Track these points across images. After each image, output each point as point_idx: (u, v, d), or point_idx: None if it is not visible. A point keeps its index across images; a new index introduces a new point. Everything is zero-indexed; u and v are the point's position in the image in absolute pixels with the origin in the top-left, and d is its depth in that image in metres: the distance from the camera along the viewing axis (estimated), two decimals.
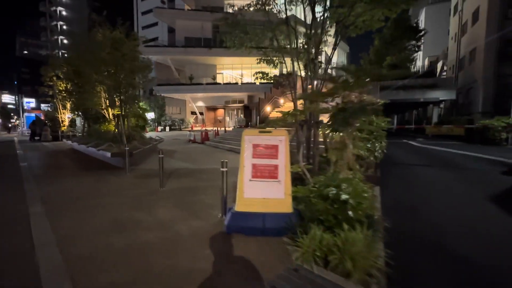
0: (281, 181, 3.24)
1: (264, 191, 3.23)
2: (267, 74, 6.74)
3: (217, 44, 31.00)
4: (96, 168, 7.21)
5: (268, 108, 19.27)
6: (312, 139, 5.34)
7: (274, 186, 3.24)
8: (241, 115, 27.99)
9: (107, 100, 9.32)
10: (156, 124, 27.52)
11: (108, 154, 7.47)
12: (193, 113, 34.66)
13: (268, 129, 3.28)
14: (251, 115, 30.31)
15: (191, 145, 13.69)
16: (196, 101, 33.13)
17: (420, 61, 33.19)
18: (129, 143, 8.81)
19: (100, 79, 8.70)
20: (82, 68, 9.15)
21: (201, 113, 34.81)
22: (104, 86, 8.93)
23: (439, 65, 28.25)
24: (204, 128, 20.12)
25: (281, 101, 21.68)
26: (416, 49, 24.81)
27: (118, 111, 9.03)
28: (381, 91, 16.60)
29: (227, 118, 34.41)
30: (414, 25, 24.14)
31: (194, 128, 30.27)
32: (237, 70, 33.05)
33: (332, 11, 5.01)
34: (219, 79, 32.04)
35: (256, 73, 6.84)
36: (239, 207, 3.24)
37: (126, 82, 8.70)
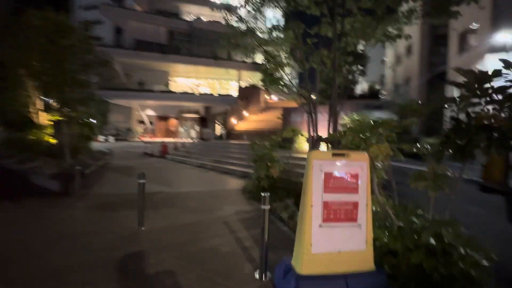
0: (361, 225, 2.25)
1: (339, 240, 2.21)
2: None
3: (172, 51, 28.79)
4: (24, 195, 4.96)
5: (234, 121, 18.13)
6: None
7: (352, 233, 2.24)
8: (216, 126, 26.02)
9: (39, 102, 6.94)
10: (98, 133, 23.41)
11: (46, 174, 5.29)
12: (140, 122, 31.02)
13: (344, 151, 2.26)
14: (208, 126, 28.61)
15: (150, 160, 11.58)
16: (145, 109, 29.80)
17: (361, 85, 36.77)
18: (74, 158, 6.62)
19: (34, 74, 6.41)
20: (5, 58, 6.64)
21: (151, 123, 31.42)
22: (38, 83, 6.63)
23: (377, 88, 31.67)
24: (161, 140, 17.73)
25: (246, 113, 20.85)
26: (362, 74, 27.38)
27: (58, 116, 6.77)
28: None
29: (181, 129, 31.84)
30: (361, 52, 26.77)
31: (143, 139, 26.93)
32: (192, 78, 31.18)
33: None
34: (172, 87, 29.60)
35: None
36: (305, 266, 2.12)
37: (73, 79, 6.61)
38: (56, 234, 3.32)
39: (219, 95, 28.59)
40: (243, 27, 4.84)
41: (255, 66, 30.39)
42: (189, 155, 11.58)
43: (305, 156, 2.31)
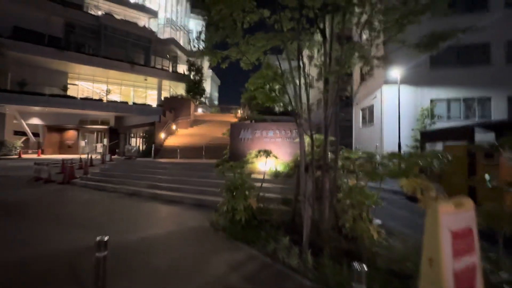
0: None
1: None
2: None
3: (72, 47, 23.22)
4: None
5: (162, 135, 15.75)
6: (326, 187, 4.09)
7: None
8: (133, 141, 21.66)
9: None
10: None
11: None
12: (19, 133, 23.22)
13: (458, 200, 1.76)
14: (119, 139, 24.15)
15: (49, 189, 8.30)
16: (29, 117, 22.59)
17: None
18: None
19: None
20: None
21: (36, 134, 23.98)
22: None
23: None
24: (57, 157, 13.46)
25: (174, 127, 18.57)
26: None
27: None
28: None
29: (82, 143, 25.64)
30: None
31: (23, 156, 20.10)
32: (100, 83, 25.95)
33: None
34: (72, 91, 23.68)
35: None
36: None
37: None
38: None
39: (134, 104, 24.81)
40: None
41: (178, 76, 28.27)
42: (111, 179, 9.00)
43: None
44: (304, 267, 3.16)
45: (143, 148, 16.82)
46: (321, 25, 4.09)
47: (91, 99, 23.30)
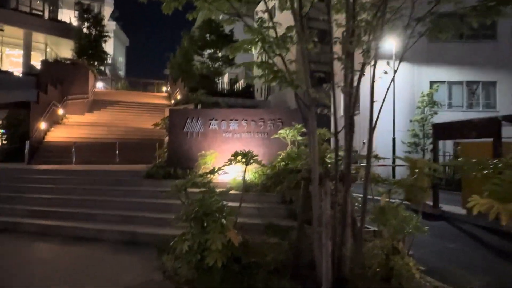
0: None
1: None
2: None
3: None
4: None
5: (43, 124, 13.79)
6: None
7: None
8: None
9: None
10: None
11: None
12: None
13: None
14: None
15: None
16: None
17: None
18: None
19: None
20: None
21: None
22: None
23: (241, 83, 35.10)
24: None
25: (61, 111, 16.38)
26: (229, 61, 29.24)
27: None
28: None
29: None
30: (229, 33, 28.38)
31: None
32: None
33: None
34: None
35: None
36: None
37: None
38: None
39: None
40: None
41: (61, 27, 25.12)
42: None
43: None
44: None
45: (5, 147, 14.56)
46: None
47: None
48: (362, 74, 4.01)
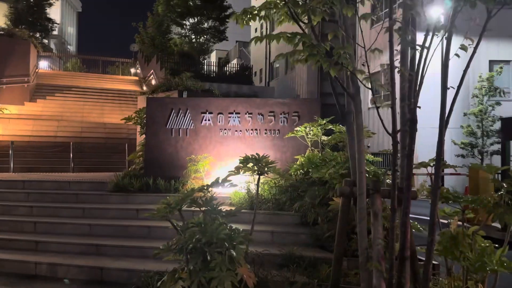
0: None
1: None
2: None
3: None
4: None
5: None
6: None
7: None
8: None
9: None
10: None
11: None
12: None
13: None
14: None
15: None
16: None
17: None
18: None
19: None
20: None
21: None
22: None
23: (234, 63, 35.04)
24: None
25: None
26: (219, 35, 29.14)
27: None
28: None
29: None
30: None
31: None
32: None
33: None
34: None
35: None
36: None
37: None
38: None
39: None
40: None
41: None
42: None
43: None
44: None
45: None
46: None
47: None
48: (425, 48, 3.86)
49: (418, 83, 3.84)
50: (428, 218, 4.19)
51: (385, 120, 3.85)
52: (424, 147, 13.32)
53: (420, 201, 9.97)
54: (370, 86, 3.80)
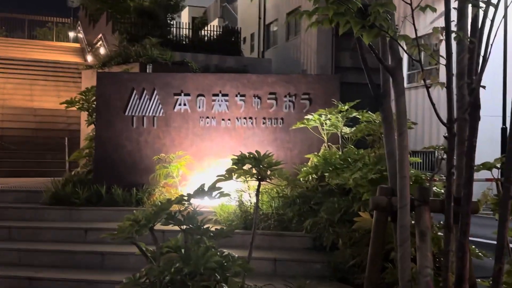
0: None
1: None
2: None
3: None
4: None
5: None
6: None
7: None
8: None
9: None
10: None
11: None
12: None
13: None
14: None
15: None
16: None
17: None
18: None
19: None
20: None
21: None
22: None
23: (215, 25, 35.16)
24: None
25: None
26: None
27: None
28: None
29: None
30: None
31: None
32: None
33: None
34: None
35: None
36: None
37: None
38: None
39: None
40: None
41: None
42: None
43: None
44: None
45: None
46: None
47: None
48: (492, 5, 3.91)
49: (483, 54, 3.91)
50: (489, 241, 4.30)
51: (425, 105, 3.95)
52: (481, 138, 13.52)
53: (475, 217, 9.93)
54: (417, 58, 3.88)
